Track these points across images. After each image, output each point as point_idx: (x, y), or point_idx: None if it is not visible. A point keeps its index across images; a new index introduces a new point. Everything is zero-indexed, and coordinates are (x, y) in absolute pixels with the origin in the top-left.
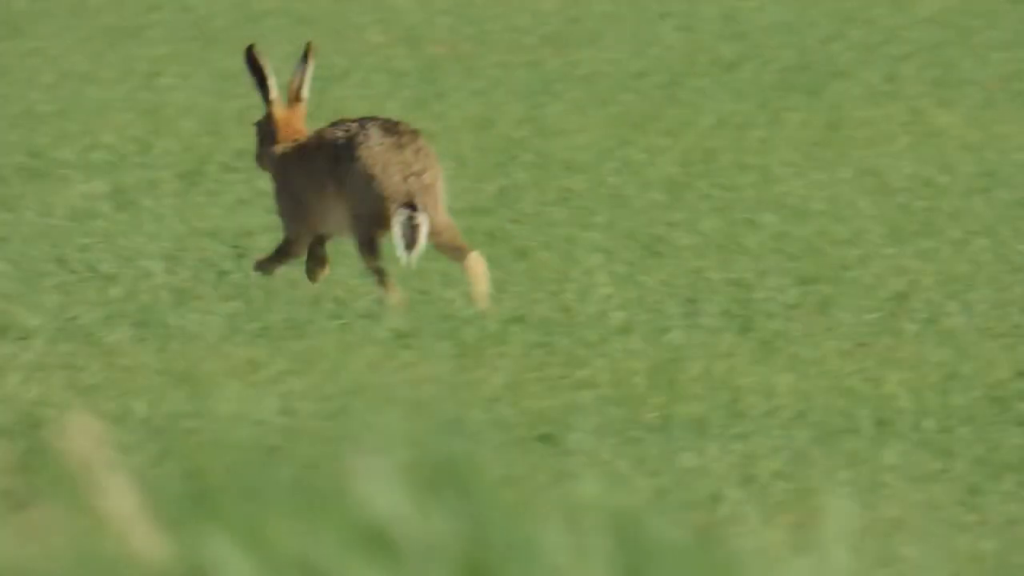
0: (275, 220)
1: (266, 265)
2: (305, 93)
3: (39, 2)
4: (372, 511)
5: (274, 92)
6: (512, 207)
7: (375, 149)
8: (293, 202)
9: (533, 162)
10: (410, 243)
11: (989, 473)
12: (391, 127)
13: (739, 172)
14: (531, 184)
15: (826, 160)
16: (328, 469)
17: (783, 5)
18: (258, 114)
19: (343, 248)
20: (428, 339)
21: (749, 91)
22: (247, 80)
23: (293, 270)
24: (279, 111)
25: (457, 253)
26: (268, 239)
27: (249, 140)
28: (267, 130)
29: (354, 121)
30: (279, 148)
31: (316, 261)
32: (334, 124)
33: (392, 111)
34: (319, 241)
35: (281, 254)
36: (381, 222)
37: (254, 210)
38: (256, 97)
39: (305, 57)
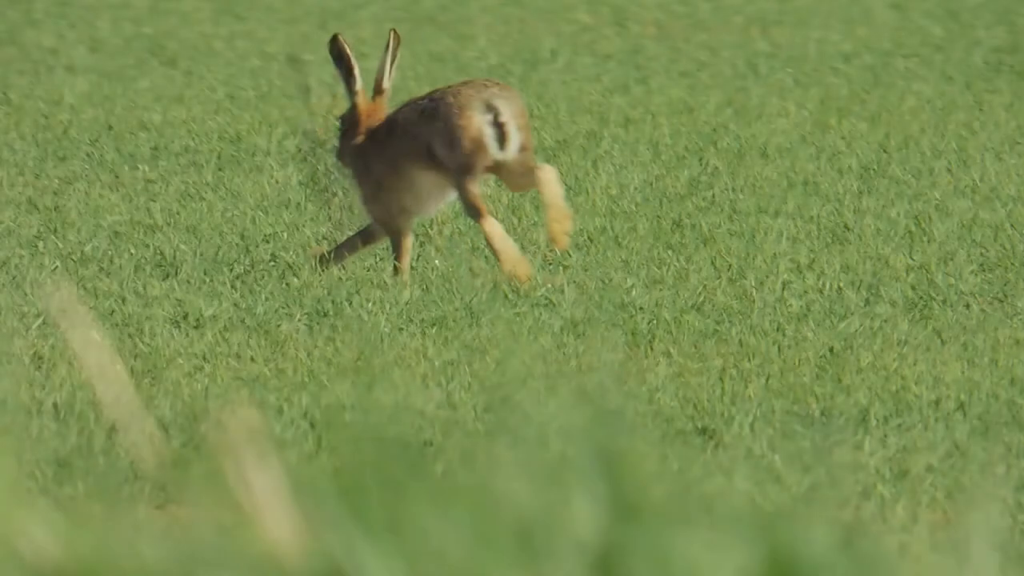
0: (459, 208)
1: (401, 261)
2: (387, 84)
3: None
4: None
5: (359, 83)
6: (702, 194)
7: (459, 95)
8: (377, 190)
9: (729, 148)
10: (501, 139)
11: None
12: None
13: (935, 157)
14: (724, 171)
15: None
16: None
17: None
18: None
19: (530, 236)
20: (601, 328)
21: (956, 73)
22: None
23: (473, 257)
24: (363, 103)
25: (530, 175)
26: (456, 226)
27: None
28: (351, 123)
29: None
30: (360, 141)
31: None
32: (403, 106)
33: (593, 94)
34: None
35: (398, 249)
36: (471, 144)
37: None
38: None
39: (389, 46)
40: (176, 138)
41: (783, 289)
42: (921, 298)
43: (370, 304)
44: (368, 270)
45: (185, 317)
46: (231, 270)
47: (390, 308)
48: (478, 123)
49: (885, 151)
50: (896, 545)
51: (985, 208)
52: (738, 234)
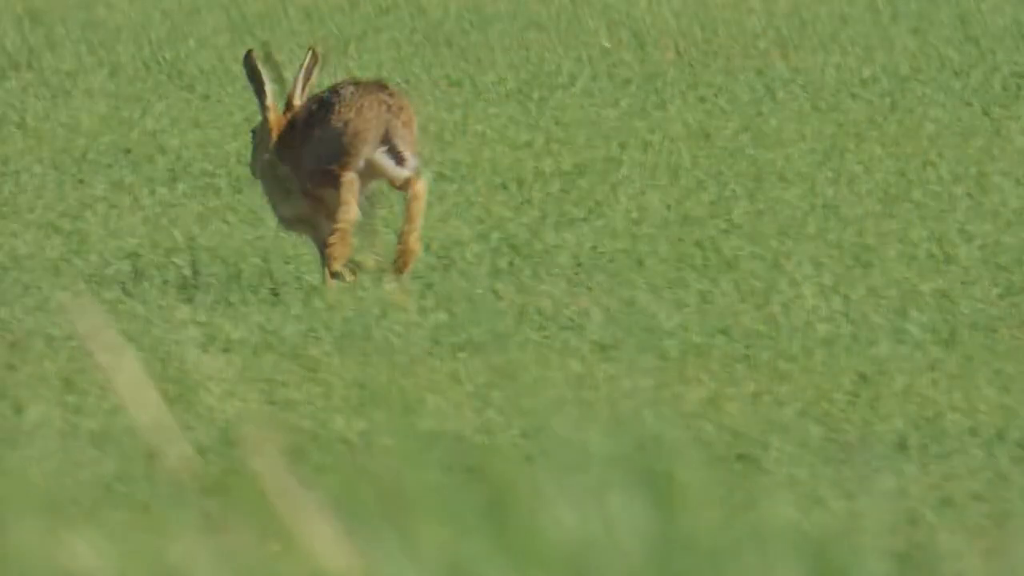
0: (483, 229)
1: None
2: (297, 100)
3: (274, 6)
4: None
5: (270, 99)
6: (723, 217)
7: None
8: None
9: (748, 172)
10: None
11: None
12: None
13: (955, 181)
14: (744, 195)
15: None
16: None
17: (1020, 7)
18: (484, 120)
19: (555, 259)
20: (630, 352)
21: (974, 98)
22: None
23: (495, 281)
24: (274, 118)
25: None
26: (478, 249)
27: (467, 151)
28: (262, 138)
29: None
30: (269, 156)
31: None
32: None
33: (610, 119)
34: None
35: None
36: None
37: (464, 221)
38: (487, 103)
39: (304, 64)
40: (194, 161)
41: (810, 313)
42: (947, 322)
43: (398, 327)
44: (396, 291)
45: (212, 340)
46: (255, 292)
47: (418, 332)
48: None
49: (904, 175)
50: (949, 573)
51: (1008, 232)
52: (760, 257)
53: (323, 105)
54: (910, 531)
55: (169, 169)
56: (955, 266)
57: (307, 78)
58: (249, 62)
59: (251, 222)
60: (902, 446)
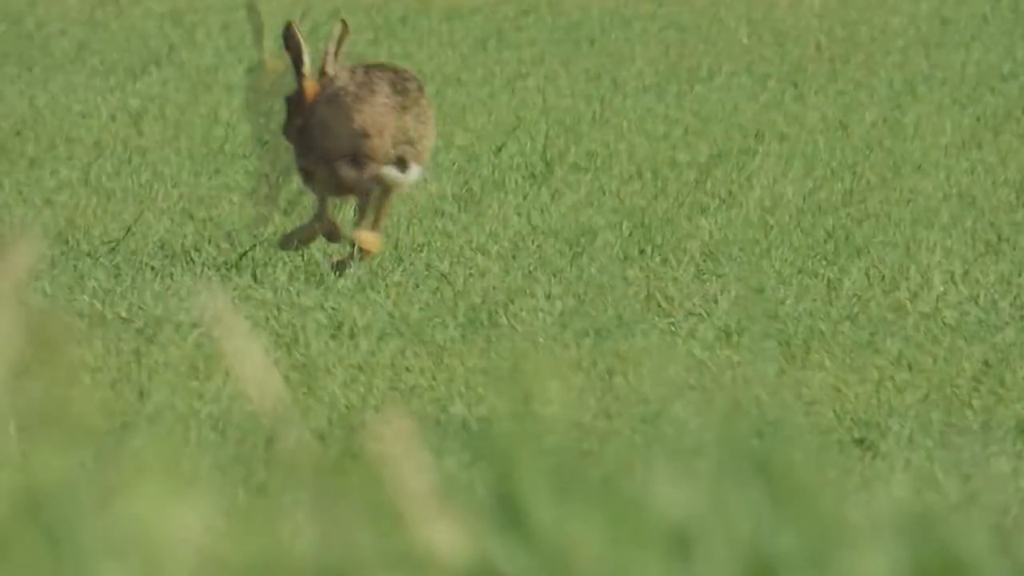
0: (615, 218)
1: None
2: (329, 69)
3: (416, 6)
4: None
5: (307, 68)
6: (857, 206)
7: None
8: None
9: (884, 163)
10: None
11: None
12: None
13: None
14: (879, 184)
15: None
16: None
17: None
18: (621, 112)
19: (686, 246)
20: (755, 338)
21: None
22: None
23: (624, 268)
24: (308, 86)
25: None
26: (610, 236)
27: (603, 142)
28: (295, 104)
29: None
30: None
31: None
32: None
33: (748, 112)
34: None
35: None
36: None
37: (598, 210)
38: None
39: (337, 33)
40: None
41: (938, 300)
42: None
43: (524, 313)
44: (525, 277)
45: (340, 327)
46: (385, 279)
47: (544, 318)
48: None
49: None
50: None
51: None
52: (892, 245)
53: (348, 92)
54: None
55: None
56: None
57: (338, 48)
58: (289, 32)
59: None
60: (1022, 431)
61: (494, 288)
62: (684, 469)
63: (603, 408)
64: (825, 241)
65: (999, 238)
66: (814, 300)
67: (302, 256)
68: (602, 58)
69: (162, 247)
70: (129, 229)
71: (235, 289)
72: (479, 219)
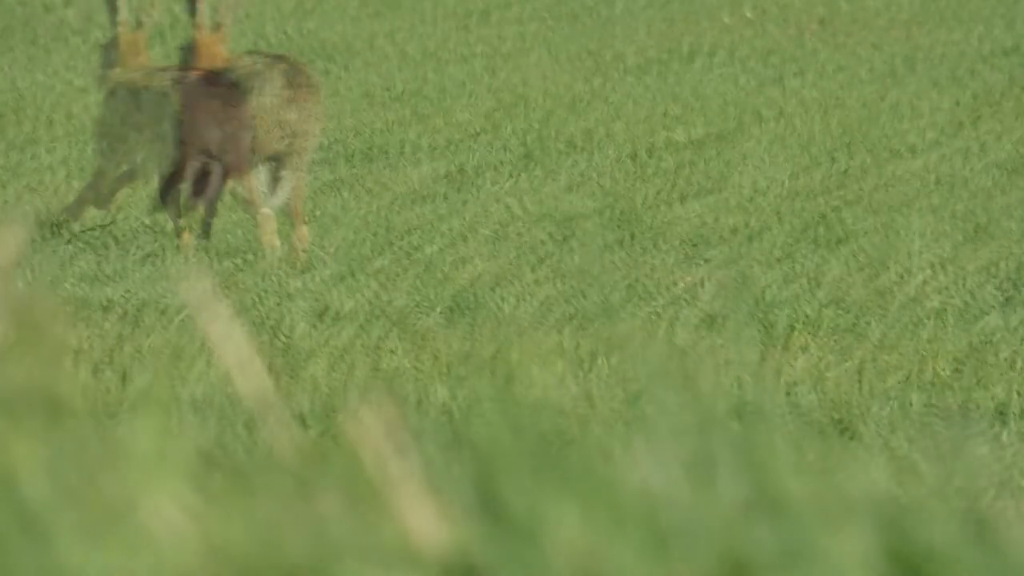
0: (603, 203)
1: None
2: (224, 20)
3: None
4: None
5: (202, 18)
6: (841, 191)
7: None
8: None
9: (868, 147)
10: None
11: None
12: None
13: None
14: (863, 169)
15: None
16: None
17: None
18: (614, 92)
19: (672, 232)
20: (738, 323)
21: None
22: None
23: (609, 254)
24: (202, 37)
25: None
26: (595, 222)
27: (594, 119)
28: (188, 54)
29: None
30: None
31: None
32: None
33: (734, 93)
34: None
35: (176, 183)
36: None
37: (585, 194)
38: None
39: None
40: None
41: (922, 285)
42: None
43: (510, 299)
44: (511, 264)
45: (324, 312)
46: (370, 265)
47: (528, 303)
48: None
49: None
50: None
51: None
52: (876, 230)
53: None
54: (1000, 496)
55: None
56: None
57: (234, 7)
58: None
59: (367, 195)
60: (1001, 414)
61: (479, 274)
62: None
63: (585, 392)
64: (809, 226)
65: (984, 222)
66: (798, 285)
67: (287, 242)
68: (585, 39)
69: (147, 231)
70: (108, 222)
71: (219, 274)
72: (465, 204)
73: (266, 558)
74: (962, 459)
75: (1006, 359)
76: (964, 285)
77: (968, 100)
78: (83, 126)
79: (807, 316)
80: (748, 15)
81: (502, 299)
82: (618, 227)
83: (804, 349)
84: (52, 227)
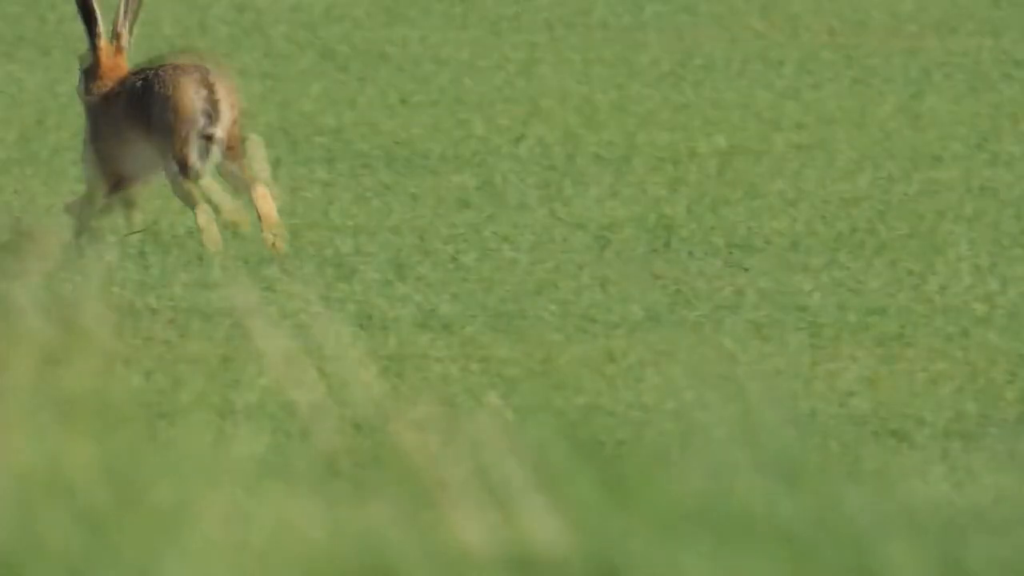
0: (640, 211)
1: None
2: (122, 30)
3: None
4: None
5: (101, 30)
6: (879, 199)
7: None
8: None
9: (903, 154)
10: (214, 115)
11: None
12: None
13: None
14: (900, 176)
15: None
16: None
17: None
18: (634, 101)
19: (710, 239)
20: (785, 331)
21: None
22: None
23: (650, 261)
24: (103, 49)
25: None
26: (633, 230)
27: (622, 130)
28: (91, 71)
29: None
30: (96, 94)
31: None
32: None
33: (765, 100)
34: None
35: (89, 207)
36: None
37: (621, 201)
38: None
39: None
40: (350, 141)
41: (966, 293)
42: None
43: (552, 305)
44: (551, 271)
45: (369, 319)
46: (412, 272)
47: (571, 310)
48: (192, 97)
49: None
50: None
51: None
52: (916, 238)
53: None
54: None
55: (327, 150)
56: None
57: (133, 10)
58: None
59: (408, 202)
60: None
61: (520, 280)
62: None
63: (636, 400)
64: (849, 234)
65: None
66: (842, 293)
67: (330, 249)
68: (617, 45)
69: (191, 235)
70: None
71: (264, 281)
72: (503, 211)
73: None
74: (1019, 467)
75: None
76: (1008, 292)
77: (1006, 105)
78: None
79: (852, 324)
80: (757, 27)
81: (544, 307)
82: (655, 235)
83: (854, 358)
84: (97, 232)
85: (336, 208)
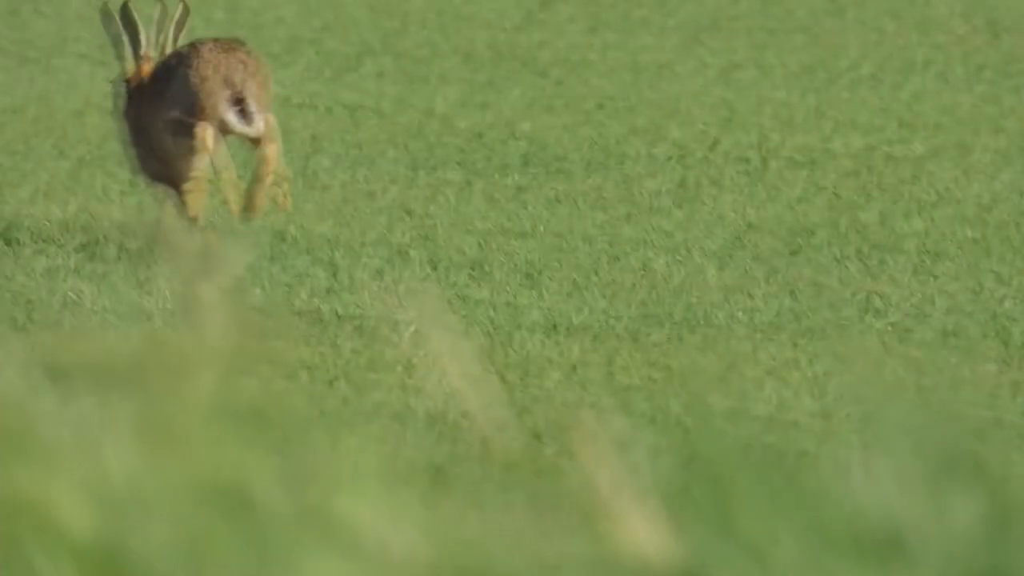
0: (834, 216)
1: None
2: (151, 52)
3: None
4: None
5: (145, 50)
6: None
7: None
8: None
9: None
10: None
11: None
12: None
13: None
14: None
15: None
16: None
17: None
18: (831, 108)
19: (903, 246)
20: (974, 340)
21: None
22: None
23: (841, 267)
24: (146, 70)
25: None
26: (827, 235)
27: (818, 135)
28: (133, 87)
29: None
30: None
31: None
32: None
33: (965, 104)
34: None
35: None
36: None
37: (814, 207)
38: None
39: (177, 15)
40: (546, 146)
41: None
42: None
43: (740, 313)
44: (740, 277)
45: (555, 327)
46: (599, 278)
47: (760, 317)
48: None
49: None
50: None
51: None
52: None
53: (181, 59)
54: None
55: (522, 155)
56: None
57: (179, 30)
58: (126, 13)
59: (601, 207)
60: None
61: (711, 287)
62: (901, 472)
63: (820, 408)
64: (994, 234)
65: None
66: None
67: (520, 255)
68: (815, 50)
69: (377, 244)
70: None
71: (452, 287)
72: (695, 216)
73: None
74: None
75: None
76: None
77: None
78: (316, 136)
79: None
80: (962, 29)
81: (732, 314)
82: (847, 241)
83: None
84: (283, 239)
85: (528, 212)
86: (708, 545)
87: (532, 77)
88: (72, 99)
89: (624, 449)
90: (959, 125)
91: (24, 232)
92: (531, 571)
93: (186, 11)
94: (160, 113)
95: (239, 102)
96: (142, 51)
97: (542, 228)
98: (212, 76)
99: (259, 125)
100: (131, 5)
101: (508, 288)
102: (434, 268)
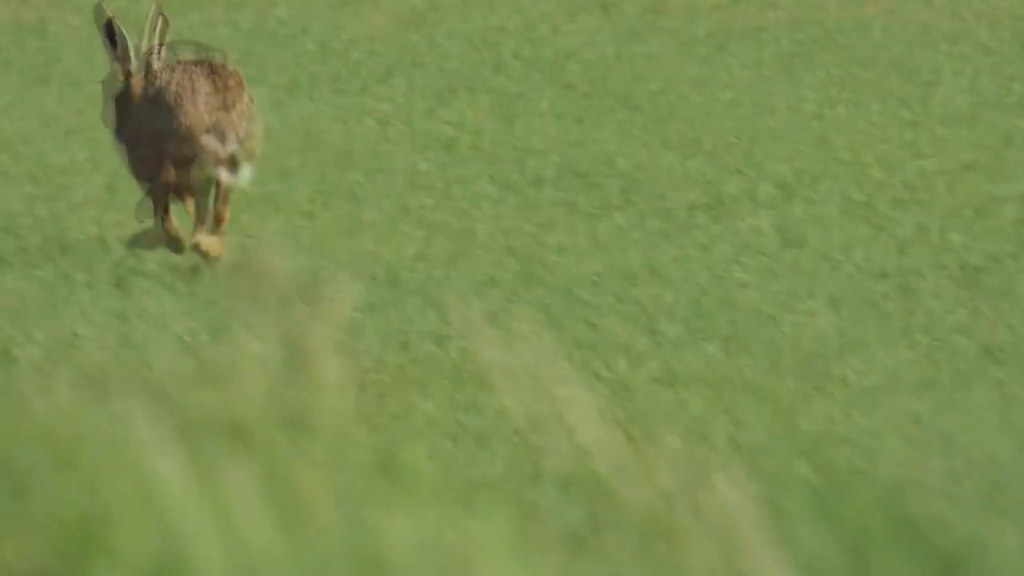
0: (939, 257)
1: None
2: (155, 64)
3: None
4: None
5: (133, 64)
6: None
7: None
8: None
9: None
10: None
11: None
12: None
13: None
14: None
15: None
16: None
17: None
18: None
19: (1018, 290)
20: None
21: None
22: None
23: (954, 314)
24: (135, 83)
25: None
26: (935, 277)
27: (920, 173)
28: (123, 104)
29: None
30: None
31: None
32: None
33: (996, 114)
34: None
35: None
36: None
37: (921, 248)
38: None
39: (158, 26)
40: (646, 183)
41: None
42: None
43: (856, 362)
44: (853, 324)
45: (673, 377)
46: (712, 325)
47: (879, 368)
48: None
49: None
50: None
51: None
52: None
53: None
54: None
55: (622, 192)
56: None
57: (161, 42)
58: (111, 28)
59: (707, 247)
60: None
61: (823, 335)
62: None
63: (948, 469)
64: None
65: None
66: None
67: (630, 302)
68: (909, 84)
69: (486, 286)
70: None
71: (566, 333)
72: (800, 257)
73: None
74: None
75: None
76: None
77: None
78: (413, 170)
79: None
80: None
81: (849, 365)
82: (959, 286)
83: None
84: (389, 280)
85: (637, 253)
86: None
87: (628, 112)
88: None
89: (754, 511)
90: None
91: (136, 274)
92: None
93: (164, 21)
94: (153, 145)
95: (231, 161)
96: (130, 65)
97: (654, 266)
98: (199, 127)
99: (245, 177)
100: (116, 20)
101: (623, 334)
102: (547, 313)
